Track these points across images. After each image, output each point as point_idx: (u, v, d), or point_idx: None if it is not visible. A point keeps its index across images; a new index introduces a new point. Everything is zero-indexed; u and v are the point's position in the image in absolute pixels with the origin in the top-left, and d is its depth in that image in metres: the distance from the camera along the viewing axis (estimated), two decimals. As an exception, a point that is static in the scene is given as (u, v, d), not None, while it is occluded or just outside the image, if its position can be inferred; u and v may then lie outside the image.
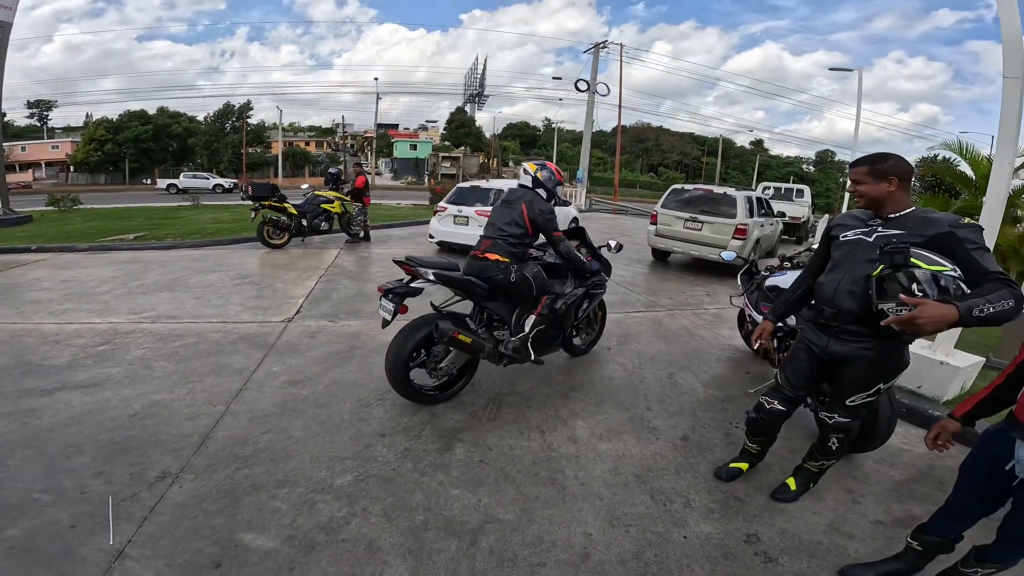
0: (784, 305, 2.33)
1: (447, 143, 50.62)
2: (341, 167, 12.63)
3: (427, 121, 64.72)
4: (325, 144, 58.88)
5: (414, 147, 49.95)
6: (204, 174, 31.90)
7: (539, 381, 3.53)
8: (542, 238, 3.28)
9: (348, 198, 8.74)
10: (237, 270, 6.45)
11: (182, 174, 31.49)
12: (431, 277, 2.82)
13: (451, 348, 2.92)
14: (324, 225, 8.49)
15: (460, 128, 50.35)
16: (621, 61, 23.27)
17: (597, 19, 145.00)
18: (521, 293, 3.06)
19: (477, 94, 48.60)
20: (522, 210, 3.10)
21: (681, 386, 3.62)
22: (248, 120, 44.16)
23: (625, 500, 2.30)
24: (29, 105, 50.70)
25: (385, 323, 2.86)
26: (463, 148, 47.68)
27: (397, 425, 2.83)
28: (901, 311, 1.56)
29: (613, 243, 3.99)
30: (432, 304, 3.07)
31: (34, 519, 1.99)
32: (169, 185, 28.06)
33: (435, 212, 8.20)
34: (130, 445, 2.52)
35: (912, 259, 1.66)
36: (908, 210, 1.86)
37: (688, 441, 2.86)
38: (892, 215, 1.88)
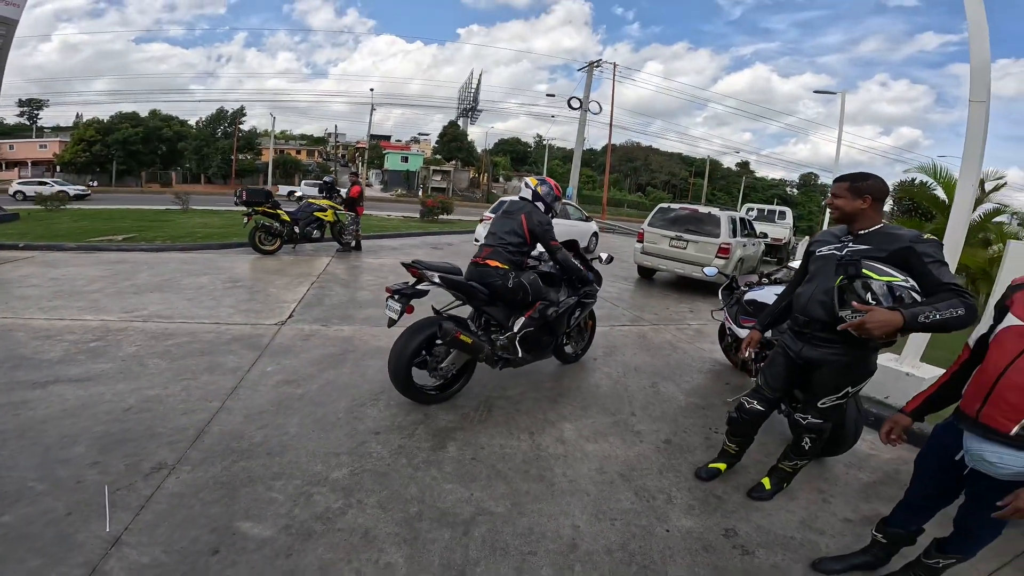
0: (770, 316, 2.49)
1: (438, 156, 50.77)
2: (334, 175, 12.74)
3: (419, 134, 64.98)
4: (316, 153, 58.78)
5: (405, 159, 49.85)
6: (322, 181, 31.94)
7: (529, 386, 3.63)
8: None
9: (342, 207, 8.83)
10: (228, 274, 6.46)
11: (303, 182, 32.15)
12: (436, 280, 2.94)
13: (452, 348, 3.03)
14: (316, 233, 8.54)
15: (452, 142, 50.51)
16: (614, 81, 23.96)
17: (592, 38, 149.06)
18: (517, 298, 3.20)
19: (471, 108, 48.88)
20: (521, 220, 3.27)
21: (664, 394, 3.76)
22: (240, 126, 44.01)
23: (611, 496, 2.41)
24: (20, 104, 49.79)
25: (391, 322, 2.97)
26: (454, 162, 47.97)
27: (391, 424, 2.91)
28: (854, 317, 1.73)
29: (604, 255, 4.16)
30: (433, 308, 3.18)
31: (29, 507, 2.00)
32: (290, 192, 29.10)
33: (480, 220, 9.74)
34: (125, 437, 2.54)
35: (864, 270, 1.83)
36: (876, 227, 2.04)
37: (670, 444, 2.98)
38: (862, 231, 2.05)
